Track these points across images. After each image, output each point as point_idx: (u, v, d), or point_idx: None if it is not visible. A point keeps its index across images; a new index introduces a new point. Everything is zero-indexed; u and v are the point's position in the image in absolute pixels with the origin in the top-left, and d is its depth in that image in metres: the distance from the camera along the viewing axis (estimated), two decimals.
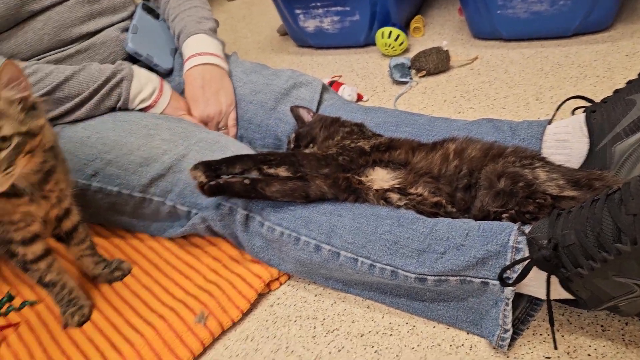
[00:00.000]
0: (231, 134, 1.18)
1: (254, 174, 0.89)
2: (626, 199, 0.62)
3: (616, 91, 0.91)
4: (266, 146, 1.17)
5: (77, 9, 1.14)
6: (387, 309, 0.88)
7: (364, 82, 1.53)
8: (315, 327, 0.88)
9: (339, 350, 0.83)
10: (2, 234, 0.87)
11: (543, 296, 0.72)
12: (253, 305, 0.93)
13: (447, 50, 1.45)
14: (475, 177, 0.84)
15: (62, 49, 1.14)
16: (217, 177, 0.88)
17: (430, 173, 0.87)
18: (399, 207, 0.86)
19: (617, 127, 0.87)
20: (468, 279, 0.76)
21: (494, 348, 0.77)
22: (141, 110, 1.12)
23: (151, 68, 1.21)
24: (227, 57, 1.24)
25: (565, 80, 1.26)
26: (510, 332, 0.74)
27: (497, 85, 1.33)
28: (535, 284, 0.72)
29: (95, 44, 1.17)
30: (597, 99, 0.94)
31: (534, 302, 0.79)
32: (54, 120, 1.08)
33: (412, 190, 0.86)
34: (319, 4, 1.64)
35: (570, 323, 0.76)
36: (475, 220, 0.80)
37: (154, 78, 1.14)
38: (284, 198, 0.88)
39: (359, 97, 1.44)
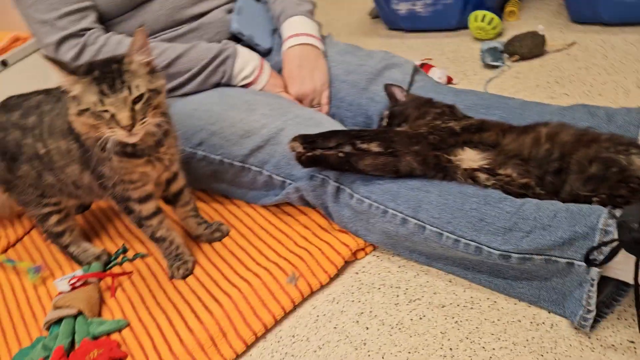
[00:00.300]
0: (324, 111, 1.24)
1: (348, 148, 0.94)
2: None
3: None
4: (356, 124, 1.22)
5: None
6: (469, 283, 0.91)
7: (454, 66, 1.54)
8: (398, 296, 0.93)
9: (420, 318, 0.88)
10: (122, 191, 0.99)
11: (631, 280, 0.72)
12: (339, 272, 1.00)
13: (543, 35, 1.42)
14: (567, 162, 0.84)
15: (174, 28, 1.24)
16: (313, 149, 0.95)
17: (520, 155, 0.88)
18: (486, 186, 0.88)
19: None
20: (553, 258, 0.78)
21: (576, 328, 0.79)
22: (243, 86, 1.21)
23: (252, 47, 1.29)
24: (323, 38, 1.30)
25: None
26: (593, 314, 0.75)
27: (594, 72, 1.30)
28: (624, 267, 0.73)
29: (203, 24, 1.26)
30: None
31: (620, 287, 0.79)
32: (166, 94, 1.19)
33: (500, 171, 0.88)
34: None
35: None
36: (564, 203, 0.81)
37: (255, 57, 1.22)
38: (375, 172, 0.93)
39: (449, 80, 1.45)
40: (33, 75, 2.20)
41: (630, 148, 0.82)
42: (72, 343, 0.99)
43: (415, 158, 0.91)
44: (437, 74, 1.43)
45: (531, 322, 0.82)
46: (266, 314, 0.93)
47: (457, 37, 1.69)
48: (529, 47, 1.42)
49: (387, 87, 1.12)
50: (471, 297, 0.88)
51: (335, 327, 0.91)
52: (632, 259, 0.70)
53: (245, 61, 1.20)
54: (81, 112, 0.85)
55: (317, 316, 0.94)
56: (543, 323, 0.81)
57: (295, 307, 0.96)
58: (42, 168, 1.06)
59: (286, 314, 0.95)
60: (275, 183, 1.10)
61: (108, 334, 1.00)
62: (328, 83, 1.24)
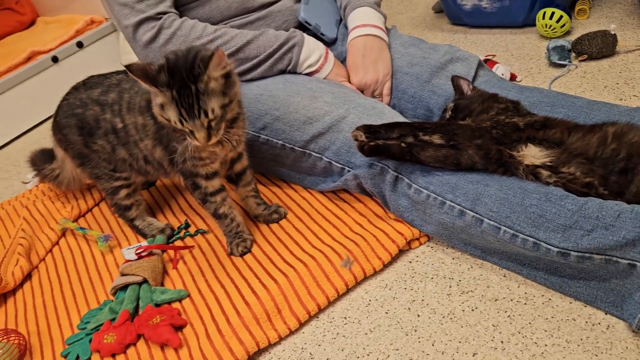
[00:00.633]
0: (385, 102, 1.26)
1: (410, 140, 0.96)
2: None
3: None
4: (417, 116, 1.23)
5: None
6: (524, 279, 0.91)
7: (518, 63, 1.52)
8: (450, 287, 0.94)
9: (472, 310, 0.88)
10: (191, 168, 1.04)
11: None
12: (393, 259, 1.02)
13: (614, 34, 1.38)
14: (634, 162, 0.83)
15: (245, 15, 1.29)
16: (375, 139, 0.97)
17: (585, 154, 0.87)
18: (547, 184, 0.88)
19: None
20: (614, 259, 0.77)
21: (634, 331, 0.78)
22: (307, 74, 1.24)
23: (318, 37, 1.32)
24: (387, 31, 1.31)
25: None
26: None
27: None
28: None
29: (272, 12, 1.30)
30: None
31: None
32: None
33: (564, 169, 0.87)
34: None
35: None
36: (629, 204, 0.80)
37: (320, 46, 1.25)
38: (436, 164, 0.94)
39: (513, 77, 1.44)
40: (106, 56, 2.32)
41: None
42: (136, 308, 1.05)
43: (477, 152, 0.91)
44: (500, 71, 1.41)
45: (586, 322, 0.81)
46: (320, 295, 0.96)
47: (522, 34, 1.66)
48: (599, 47, 1.39)
49: (455, 79, 1.13)
50: (525, 293, 0.89)
51: (386, 313, 0.93)
52: None
53: (311, 50, 1.23)
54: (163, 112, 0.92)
55: (370, 300, 0.96)
56: (599, 324, 0.81)
57: (348, 291, 0.99)
58: (117, 143, 1.13)
59: (339, 297, 0.98)
60: (334, 170, 1.13)
61: (169, 302, 1.05)
62: (390, 74, 1.25)
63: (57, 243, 1.35)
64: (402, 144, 0.95)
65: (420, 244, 1.04)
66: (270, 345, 0.93)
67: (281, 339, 0.94)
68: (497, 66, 1.43)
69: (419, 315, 0.90)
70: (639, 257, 0.75)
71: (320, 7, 1.35)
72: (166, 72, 0.89)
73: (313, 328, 0.94)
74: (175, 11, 1.21)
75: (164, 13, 1.18)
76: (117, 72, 1.17)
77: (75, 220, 1.41)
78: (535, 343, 0.81)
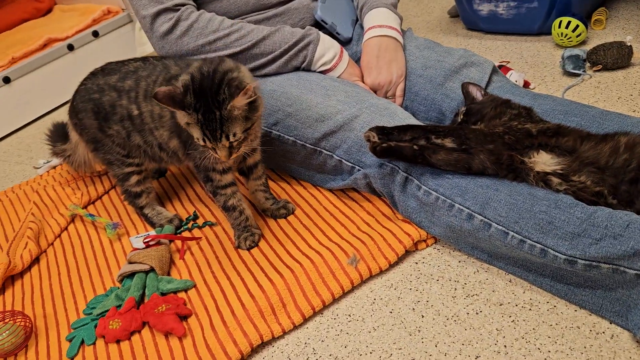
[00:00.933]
0: (397, 103, 1.26)
1: (422, 142, 0.96)
2: None
3: None
4: (429, 119, 1.23)
5: None
6: (529, 285, 0.91)
7: (532, 70, 1.52)
8: (455, 289, 0.94)
9: (477, 313, 0.89)
10: (206, 161, 1.05)
11: None
12: (399, 260, 1.02)
13: (630, 46, 1.38)
14: None
15: (262, 11, 1.29)
16: (388, 140, 0.97)
17: (597, 163, 0.87)
18: (557, 191, 0.88)
19: None
20: (622, 268, 0.77)
21: (638, 342, 0.78)
22: (321, 72, 1.25)
23: (333, 36, 1.33)
24: (403, 32, 1.32)
25: None
26: None
27: None
28: None
29: (289, 10, 1.31)
30: None
31: None
32: None
33: (574, 178, 0.87)
34: None
35: None
36: (639, 215, 0.80)
37: (335, 45, 1.25)
38: (447, 167, 0.95)
39: (526, 84, 1.44)
40: (121, 47, 2.34)
41: None
42: (142, 296, 1.06)
43: (489, 157, 0.91)
44: (514, 77, 1.41)
45: (590, 330, 0.82)
46: (325, 291, 0.97)
47: (537, 42, 1.66)
48: (614, 58, 1.38)
49: (464, 85, 1.13)
50: (530, 299, 0.89)
51: (391, 312, 0.93)
52: None
53: (326, 48, 1.23)
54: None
55: (374, 299, 0.96)
56: (603, 332, 0.81)
57: (353, 288, 0.99)
58: (133, 129, 1.14)
59: (344, 294, 0.98)
60: (344, 168, 1.13)
61: (175, 292, 1.06)
62: (404, 76, 1.25)
63: (66, 229, 1.36)
64: (415, 147, 0.95)
65: (427, 245, 1.04)
66: (274, 339, 0.94)
67: (285, 333, 0.94)
68: (511, 73, 1.43)
69: (423, 316, 0.91)
70: None
71: (336, 7, 1.36)
72: (192, 93, 0.91)
73: (317, 324, 0.95)
74: (193, 3, 1.22)
75: (182, 5, 1.19)
76: (135, 60, 1.18)
77: (85, 207, 1.42)
78: (539, 349, 0.81)
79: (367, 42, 1.27)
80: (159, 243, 1.16)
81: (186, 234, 1.23)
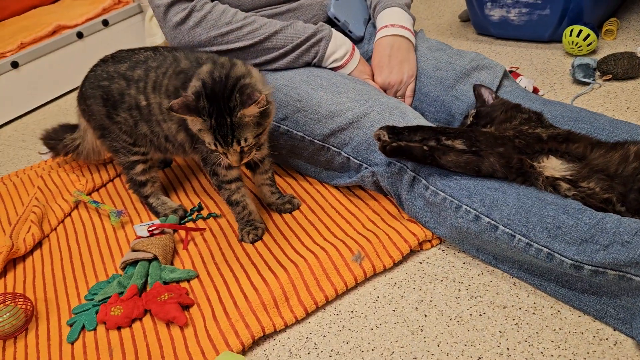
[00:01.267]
0: (407, 103, 1.26)
1: (432, 143, 0.96)
2: None
3: None
4: (438, 120, 1.23)
5: None
6: (534, 289, 0.91)
7: (541, 77, 1.52)
8: (459, 290, 0.94)
9: (480, 315, 0.89)
10: (214, 157, 1.05)
11: None
12: (404, 259, 1.02)
13: None
14: None
15: (275, 6, 1.29)
16: (398, 140, 0.97)
17: (606, 171, 0.87)
18: (566, 196, 0.88)
19: None
20: (628, 275, 0.77)
21: None
22: (332, 69, 1.25)
23: (345, 33, 1.32)
24: (415, 33, 1.32)
25: None
26: None
27: None
28: None
29: (303, 5, 1.31)
30: None
31: None
32: (258, 66, 1.24)
33: (583, 184, 0.87)
34: None
35: None
36: None
37: (347, 42, 1.25)
38: (456, 169, 0.94)
39: (535, 91, 1.44)
40: (131, 36, 2.34)
41: None
42: (145, 284, 1.06)
43: (499, 160, 0.91)
44: (523, 83, 1.41)
45: (594, 336, 0.81)
46: (329, 287, 0.97)
47: (547, 49, 1.66)
48: (625, 68, 1.39)
49: (476, 88, 1.13)
50: (534, 303, 0.89)
51: (394, 310, 0.93)
52: None
53: (338, 45, 1.23)
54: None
55: (377, 297, 0.96)
56: (607, 339, 0.81)
57: (356, 285, 0.99)
58: (140, 118, 1.14)
59: (347, 290, 0.98)
60: (352, 165, 1.13)
61: (178, 281, 1.06)
62: (415, 76, 1.25)
63: (69, 214, 1.36)
64: (424, 147, 0.95)
65: (432, 245, 1.04)
66: (276, 332, 0.94)
67: (287, 326, 0.94)
68: (520, 78, 1.43)
69: (426, 316, 0.91)
70: None
71: (350, 5, 1.36)
72: (204, 98, 0.91)
73: (319, 319, 0.95)
74: None
75: None
76: (145, 49, 1.18)
77: (89, 194, 1.42)
78: (542, 352, 0.81)
79: (380, 41, 1.27)
80: (163, 232, 1.16)
81: (190, 225, 1.23)
